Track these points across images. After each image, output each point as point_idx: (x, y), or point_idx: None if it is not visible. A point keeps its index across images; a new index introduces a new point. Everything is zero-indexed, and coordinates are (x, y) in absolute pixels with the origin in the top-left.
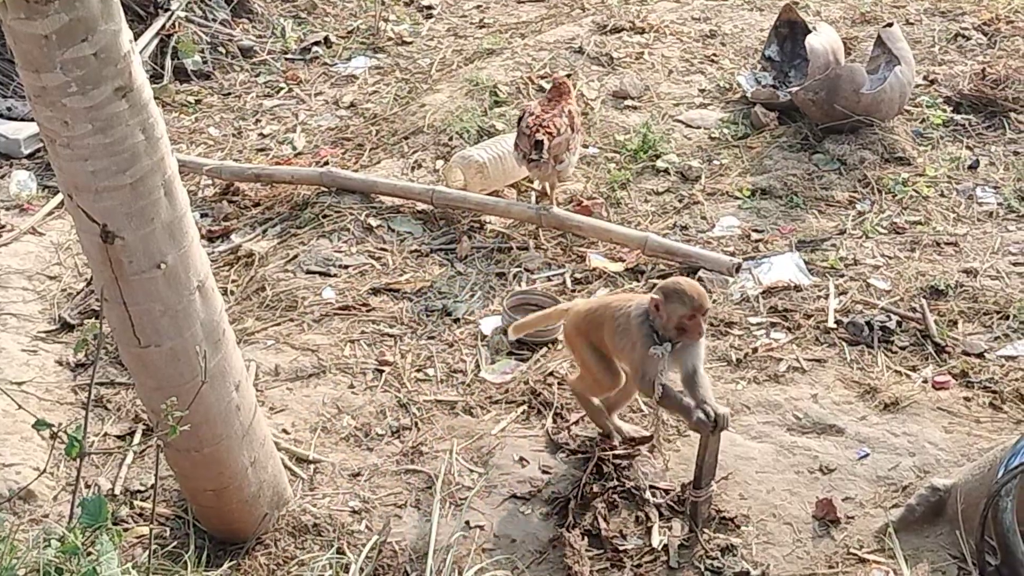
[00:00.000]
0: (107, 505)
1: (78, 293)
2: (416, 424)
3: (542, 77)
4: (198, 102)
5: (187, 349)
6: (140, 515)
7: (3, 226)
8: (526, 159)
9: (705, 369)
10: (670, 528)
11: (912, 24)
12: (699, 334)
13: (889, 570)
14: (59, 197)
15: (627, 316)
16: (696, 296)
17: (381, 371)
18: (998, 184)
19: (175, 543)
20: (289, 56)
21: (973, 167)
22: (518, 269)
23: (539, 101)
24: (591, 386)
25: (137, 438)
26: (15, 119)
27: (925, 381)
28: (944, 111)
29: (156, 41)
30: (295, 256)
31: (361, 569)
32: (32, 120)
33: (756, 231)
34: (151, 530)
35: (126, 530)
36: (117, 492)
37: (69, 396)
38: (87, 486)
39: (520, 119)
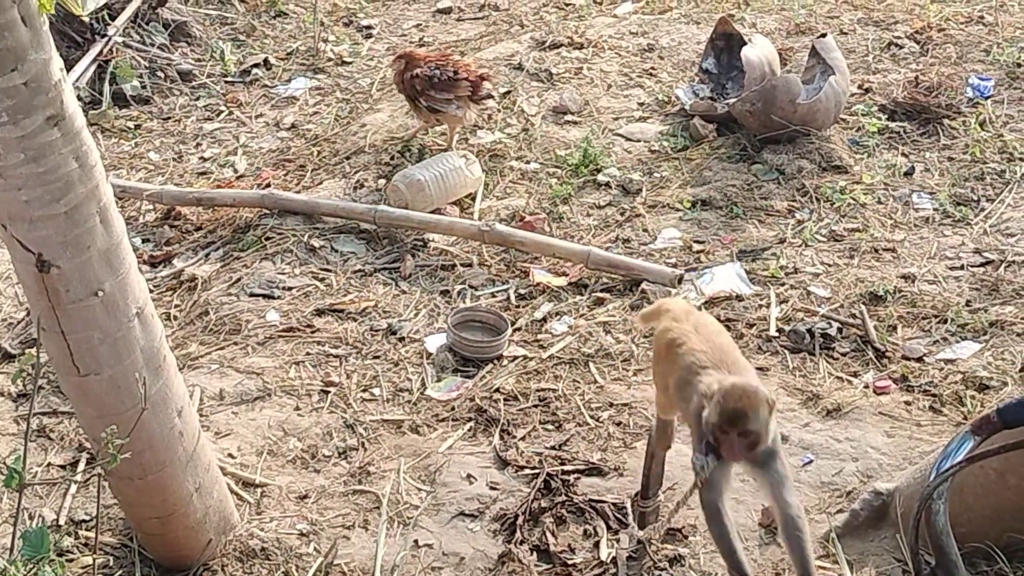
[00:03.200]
0: (49, 536)
1: (18, 323)
2: (363, 444)
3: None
4: (138, 127)
5: (127, 376)
6: (85, 544)
7: None
8: (472, 100)
9: (645, 380)
10: (618, 540)
11: (846, 34)
12: (732, 456)
13: (835, 575)
14: None
15: (691, 387)
16: (729, 408)
17: (327, 392)
18: (933, 190)
19: (121, 572)
20: (229, 79)
21: (909, 174)
22: (462, 286)
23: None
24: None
25: (81, 467)
26: None
27: (867, 386)
28: (879, 119)
29: (94, 67)
30: (238, 279)
31: None
32: None
33: (697, 242)
34: (95, 560)
35: (71, 560)
36: (62, 522)
37: (11, 427)
38: (31, 517)
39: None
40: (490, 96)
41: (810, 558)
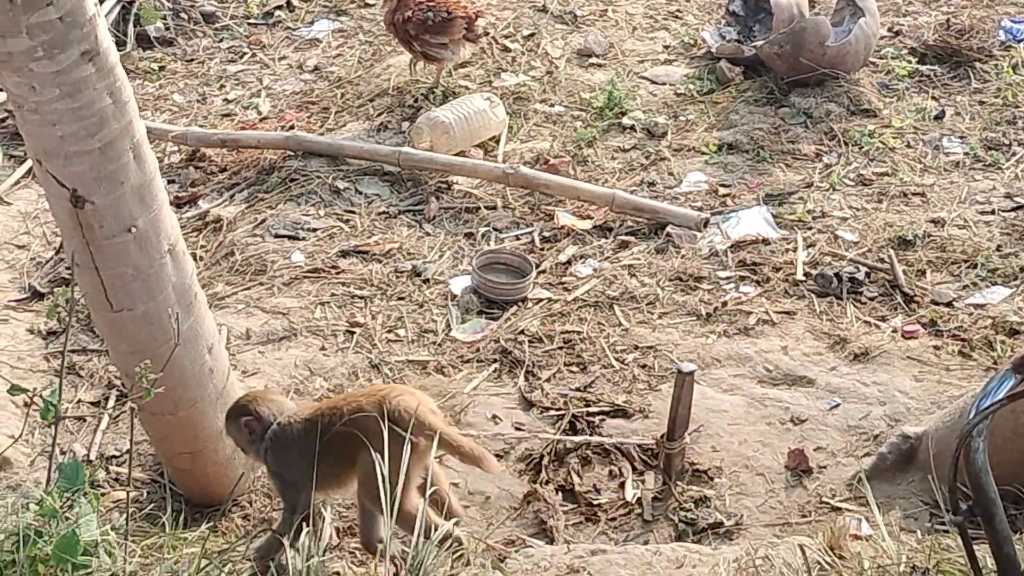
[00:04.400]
0: (84, 469)
1: (47, 261)
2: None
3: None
4: (162, 69)
5: (160, 312)
6: (116, 480)
7: None
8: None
9: (670, 323)
10: (643, 481)
11: None
12: None
13: (861, 517)
14: (25, 166)
15: None
16: None
17: (352, 333)
18: (964, 134)
19: (152, 506)
20: (252, 21)
21: (939, 117)
22: (486, 229)
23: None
24: None
25: (111, 403)
26: None
27: (894, 331)
28: (909, 62)
29: (119, 8)
30: (263, 220)
31: (335, 527)
32: None
33: (723, 186)
34: (128, 493)
35: (103, 494)
36: (93, 458)
37: (42, 364)
38: (62, 452)
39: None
40: (486, 34)
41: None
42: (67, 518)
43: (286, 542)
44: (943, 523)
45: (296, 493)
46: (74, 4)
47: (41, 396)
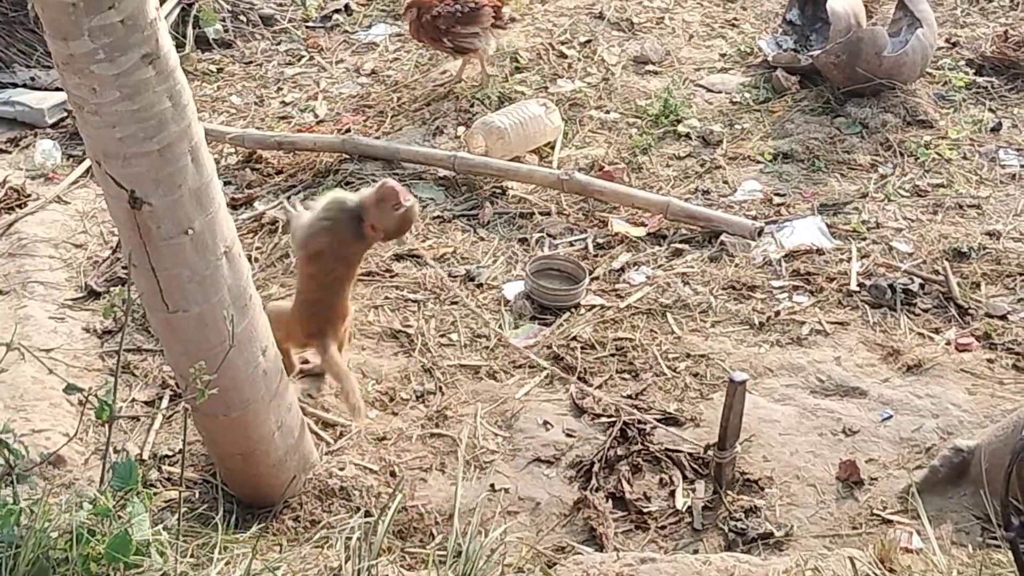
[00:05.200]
0: (137, 468)
1: (104, 261)
2: (440, 389)
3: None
4: (220, 71)
5: (215, 314)
6: (168, 479)
7: (29, 195)
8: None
9: (722, 332)
10: (694, 490)
11: None
12: None
13: (913, 531)
14: (84, 166)
15: None
16: None
17: (406, 335)
18: (1021, 146)
19: (204, 507)
20: (310, 24)
21: (996, 129)
22: (540, 234)
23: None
24: None
25: (165, 403)
26: (39, 89)
27: (948, 343)
28: (966, 74)
29: (178, 10)
30: None
31: (388, 531)
32: (56, 89)
33: (778, 195)
34: (180, 493)
35: (156, 494)
36: (145, 457)
37: (97, 363)
38: (116, 451)
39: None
40: (512, 19)
41: None
42: (120, 517)
43: None
44: (995, 538)
45: None
46: (136, 7)
47: (96, 395)
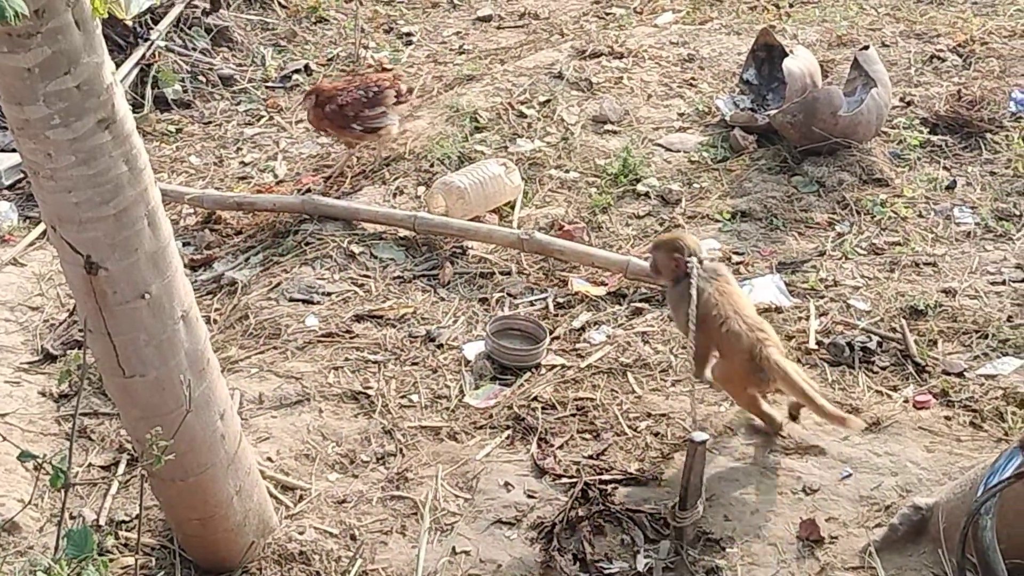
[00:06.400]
0: (93, 536)
1: (60, 324)
2: (401, 450)
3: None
4: (179, 131)
5: (172, 378)
6: (125, 545)
7: None
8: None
9: (683, 391)
10: (656, 551)
11: (888, 46)
12: None
13: None
14: (40, 228)
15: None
16: None
17: (366, 397)
18: (975, 204)
19: (162, 573)
20: (269, 84)
21: (950, 188)
22: (501, 294)
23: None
24: None
25: (122, 468)
26: None
27: (906, 401)
28: (921, 132)
29: (136, 70)
30: (278, 284)
31: None
32: (13, 151)
33: (737, 253)
34: (136, 560)
35: (112, 560)
36: (102, 523)
37: (53, 427)
38: (72, 517)
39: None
40: (411, 91)
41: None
42: None
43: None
44: None
45: (682, 322)
46: (92, 73)
47: (51, 463)
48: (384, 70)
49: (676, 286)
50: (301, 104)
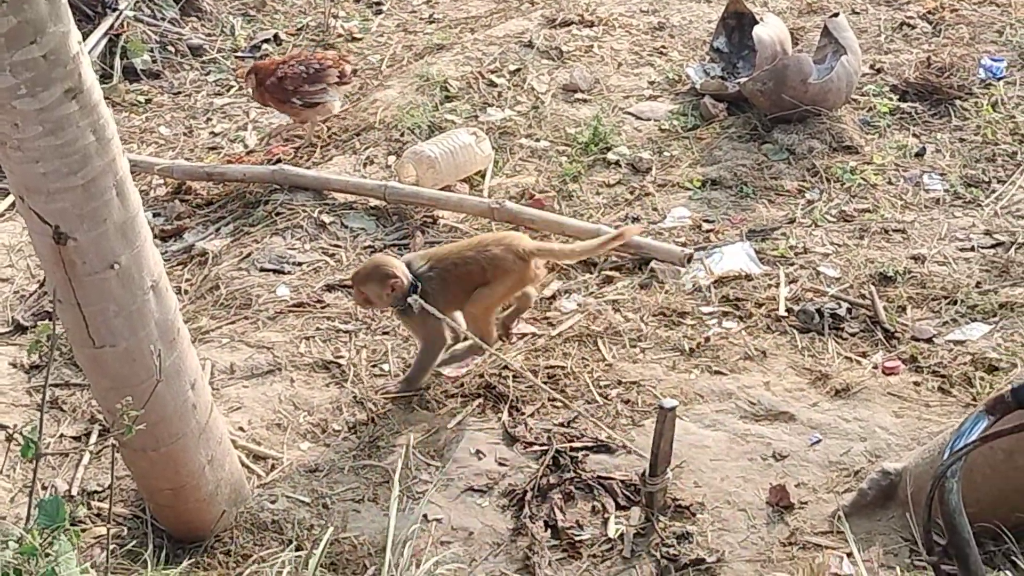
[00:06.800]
0: (65, 506)
1: (31, 295)
2: (372, 419)
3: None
4: (148, 101)
5: (142, 349)
6: (98, 515)
7: None
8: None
9: (653, 359)
10: (627, 518)
11: (858, 13)
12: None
13: (842, 554)
14: (8, 200)
15: None
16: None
17: (338, 366)
18: (944, 171)
19: (134, 542)
20: (239, 54)
21: (920, 155)
22: None
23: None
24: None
25: (93, 439)
26: None
27: (875, 367)
28: (891, 99)
29: (105, 41)
30: (249, 254)
31: (320, 564)
32: None
33: (707, 221)
34: (109, 530)
35: (84, 531)
36: (74, 493)
37: (24, 398)
38: (43, 488)
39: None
40: (355, 72)
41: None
42: (47, 555)
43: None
44: (922, 560)
45: (438, 329)
46: (58, 42)
47: (21, 433)
48: (354, 39)
49: (403, 310)
50: (244, 83)
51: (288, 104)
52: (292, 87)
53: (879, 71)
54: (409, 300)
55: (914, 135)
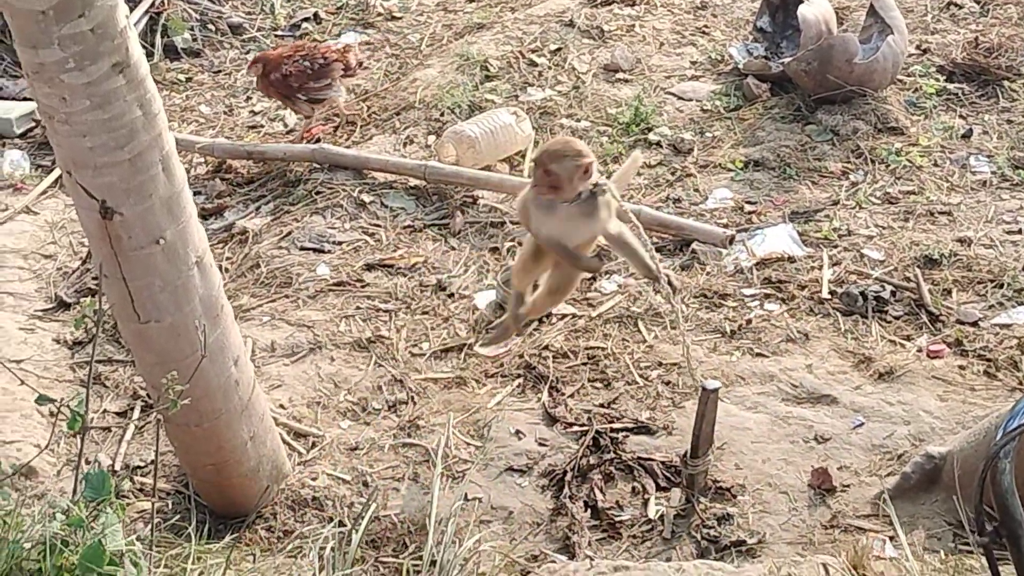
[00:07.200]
0: (110, 479)
1: (74, 271)
2: (412, 398)
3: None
4: (188, 80)
5: (186, 324)
6: (140, 490)
7: None
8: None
9: (694, 341)
10: (667, 499)
11: None
12: (537, 189)
13: (885, 537)
14: (53, 176)
15: None
16: (543, 148)
17: (379, 344)
18: (991, 153)
19: (177, 517)
20: (279, 33)
21: (966, 136)
22: (512, 243)
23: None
24: None
25: (136, 415)
26: (6, 98)
27: (919, 350)
28: (937, 80)
29: (146, 19)
30: (289, 233)
31: (362, 541)
32: (24, 99)
33: (749, 203)
34: (152, 504)
35: (128, 504)
36: (117, 468)
37: (67, 374)
38: (88, 462)
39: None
40: (360, 64)
41: (643, 256)
42: (93, 528)
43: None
44: (967, 543)
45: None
46: (106, 16)
47: (68, 406)
48: (393, 18)
49: (577, 202)
50: (248, 70)
51: (292, 100)
52: (297, 84)
53: (925, 51)
54: (599, 182)
55: (961, 116)
